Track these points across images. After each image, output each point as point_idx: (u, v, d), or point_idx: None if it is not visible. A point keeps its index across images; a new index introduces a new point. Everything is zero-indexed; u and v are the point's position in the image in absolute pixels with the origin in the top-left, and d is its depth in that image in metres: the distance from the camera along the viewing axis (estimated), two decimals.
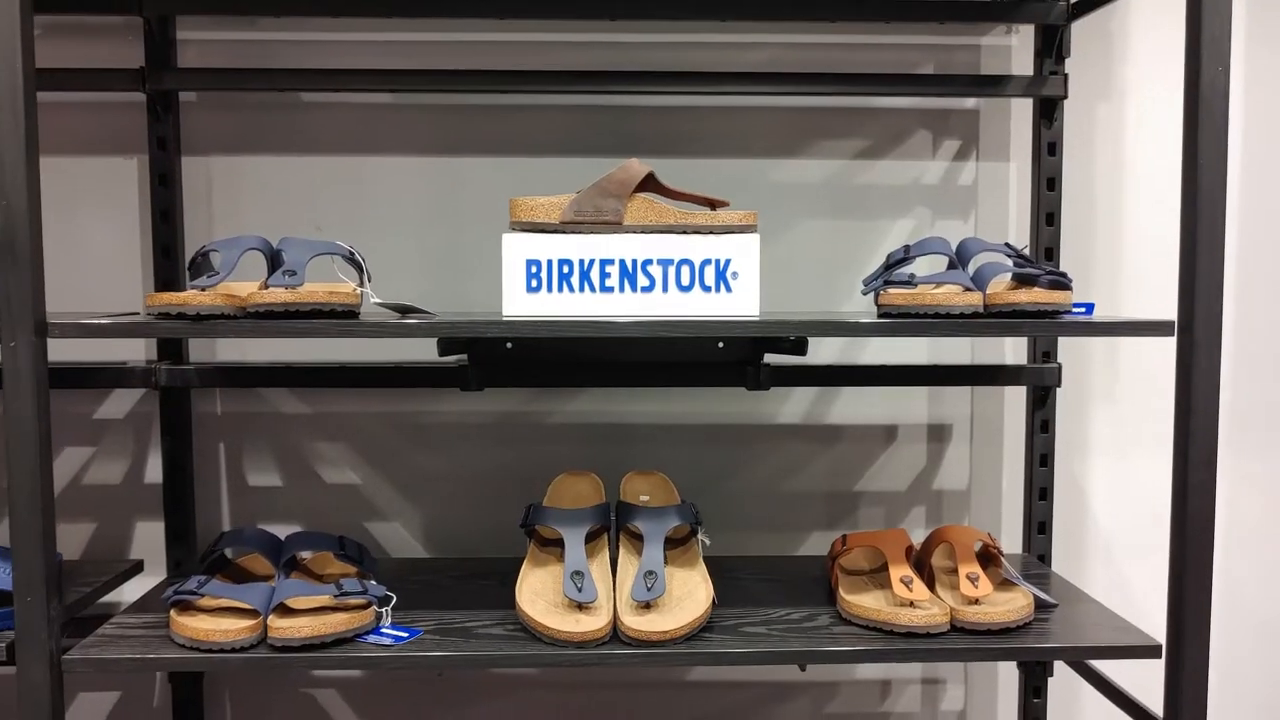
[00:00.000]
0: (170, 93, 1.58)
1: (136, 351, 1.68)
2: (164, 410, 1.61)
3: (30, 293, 1.17)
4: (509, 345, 1.53)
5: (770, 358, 1.53)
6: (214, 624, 1.25)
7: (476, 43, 1.65)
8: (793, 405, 1.74)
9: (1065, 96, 1.60)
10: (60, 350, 1.25)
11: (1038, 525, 1.66)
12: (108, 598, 1.51)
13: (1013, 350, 1.71)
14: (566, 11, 1.58)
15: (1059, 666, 1.68)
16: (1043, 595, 1.39)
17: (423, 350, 1.50)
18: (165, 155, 1.58)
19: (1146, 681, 1.38)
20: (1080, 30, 1.62)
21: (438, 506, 1.70)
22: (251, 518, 1.71)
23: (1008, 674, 1.77)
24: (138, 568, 1.59)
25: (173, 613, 1.29)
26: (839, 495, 1.75)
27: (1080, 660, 1.52)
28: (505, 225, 1.32)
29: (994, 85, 1.63)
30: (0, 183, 1.14)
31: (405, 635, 1.28)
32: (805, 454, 1.74)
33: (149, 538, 1.69)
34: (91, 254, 1.64)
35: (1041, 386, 1.64)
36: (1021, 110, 1.68)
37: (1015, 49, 1.69)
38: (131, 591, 1.55)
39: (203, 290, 1.22)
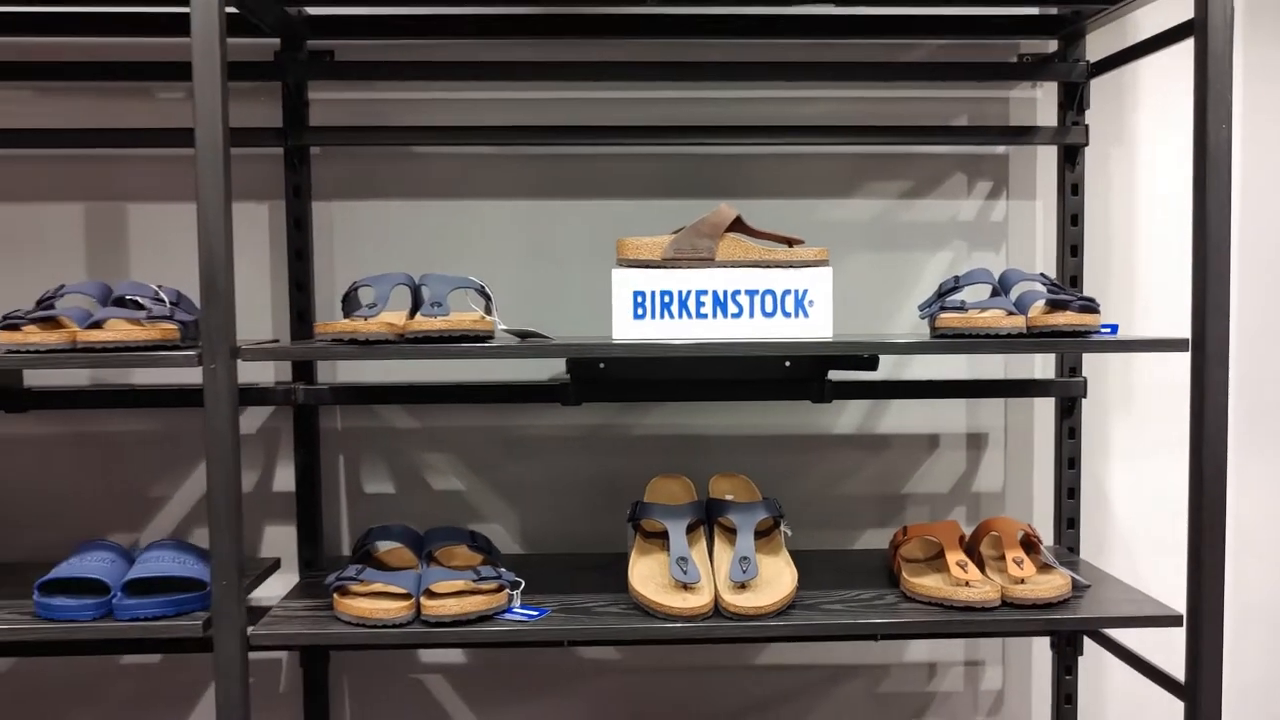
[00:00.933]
0: (304, 147, 1.81)
1: (265, 374, 1.90)
2: (297, 426, 1.83)
3: (225, 323, 1.39)
4: (602, 365, 1.75)
5: (832, 374, 1.75)
6: (374, 604, 1.46)
7: (570, 100, 1.87)
8: (847, 417, 1.96)
9: (1086, 144, 1.83)
10: (194, 375, 1.47)
11: (1067, 521, 1.88)
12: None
13: (1041, 366, 1.94)
14: (656, 75, 1.81)
15: (1087, 647, 1.89)
16: (1078, 577, 1.61)
17: (516, 370, 1.74)
18: (299, 201, 1.81)
19: (1165, 658, 1.59)
20: (1098, 86, 1.85)
21: (535, 510, 1.91)
22: (367, 521, 1.92)
23: (1041, 655, 1.98)
24: (277, 565, 1.80)
25: (335, 596, 1.50)
26: (888, 497, 1.96)
27: (1114, 628, 1.73)
28: (594, 259, 1.55)
29: (1023, 135, 1.86)
30: (205, 233, 1.36)
31: (535, 614, 1.49)
32: (858, 460, 1.96)
33: (278, 539, 1.90)
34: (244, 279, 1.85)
35: (1068, 398, 1.87)
36: (1047, 155, 1.91)
37: (1040, 101, 1.92)
38: (268, 588, 1.75)
39: (365, 320, 1.45)
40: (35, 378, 1.79)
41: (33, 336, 1.42)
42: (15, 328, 1.43)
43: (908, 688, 2.01)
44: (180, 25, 1.42)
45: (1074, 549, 1.88)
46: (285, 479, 1.91)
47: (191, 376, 1.40)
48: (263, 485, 1.93)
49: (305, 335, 1.80)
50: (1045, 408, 1.94)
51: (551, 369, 1.88)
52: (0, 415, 1.80)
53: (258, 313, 1.88)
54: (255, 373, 1.88)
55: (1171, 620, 1.50)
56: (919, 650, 1.99)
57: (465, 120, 1.86)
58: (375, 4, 1.76)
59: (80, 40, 1.82)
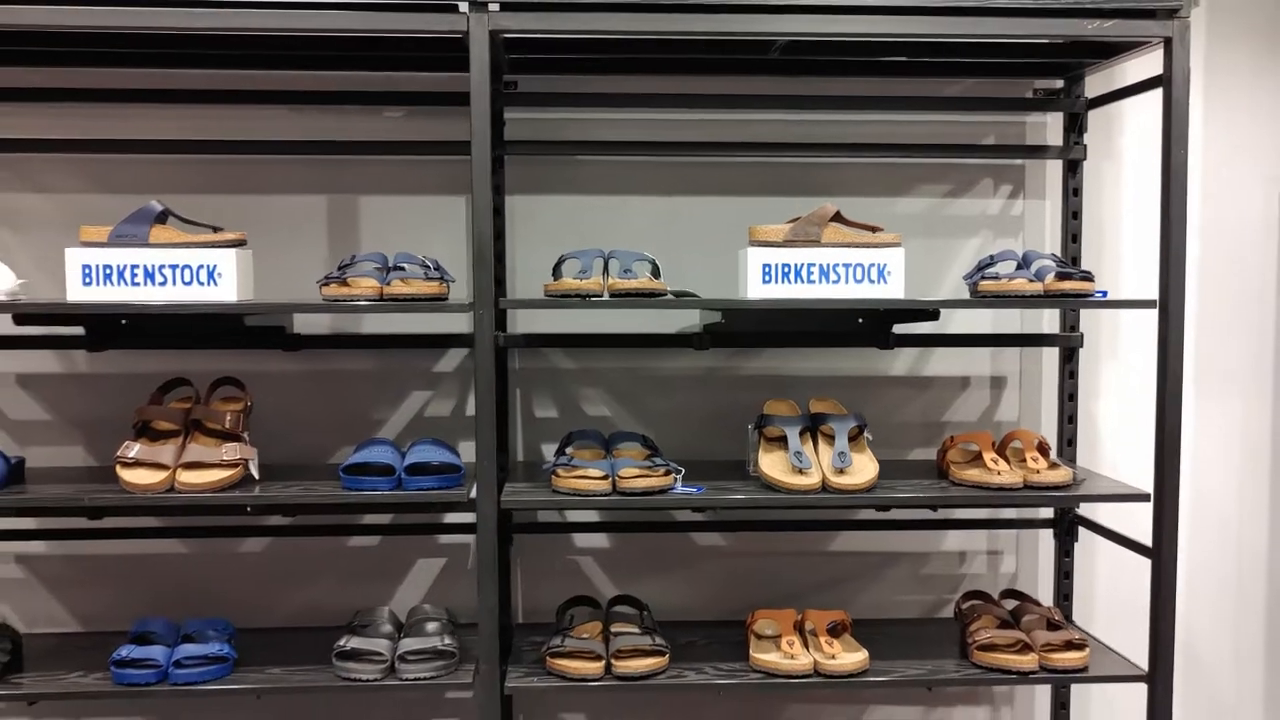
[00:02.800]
0: (500, 156, 2.42)
1: (458, 324, 2.49)
2: (476, 372, 2.43)
3: (491, 283, 2.00)
4: (722, 319, 2.37)
5: (895, 328, 2.38)
6: (583, 482, 2.08)
7: (701, 121, 2.49)
8: (900, 363, 2.58)
9: (1085, 159, 2.47)
10: (413, 323, 2.05)
11: (1067, 440, 2.52)
12: None
13: (1048, 322, 2.56)
14: (768, 105, 2.43)
15: (1081, 535, 2.53)
16: (1077, 471, 2.25)
17: (650, 324, 2.36)
18: (498, 195, 2.41)
19: (1139, 536, 2.23)
20: (1094, 116, 2.48)
21: (665, 431, 2.50)
22: (538, 439, 2.54)
23: (1046, 545, 2.61)
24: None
25: (553, 478, 2.12)
26: (931, 424, 2.59)
27: (1102, 503, 2.35)
28: (717, 244, 2.17)
29: (1036, 152, 2.50)
30: (478, 219, 1.98)
31: (695, 489, 2.12)
32: (908, 396, 2.59)
33: (468, 452, 2.51)
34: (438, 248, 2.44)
35: (1069, 347, 2.51)
36: (1054, 167, 2.54)
37: (1049, 126, 2.55)
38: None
39: (581, 281, 2.07)
40: (300, 325, 2.40)
41: (356, 289, 2.03)
42: (343, 282, 2.04)
43: (943, 570, 2.64)
44: (408, 62, 2.03)
45: (1073, 461, 2.51)
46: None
47: (423, 325, 2.01)
48: (457, 411, 2.54)
49: (501, 295, 2.41)
50: (1051, 355, 2.57)
51: (680, 323, 2.49)
52: (280, 354, 2.40)
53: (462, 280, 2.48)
54: (450, 324, 2.48)
55: (1142, 497, 2.13)
56: (953, 541, 2.62)
57: (619, 137, 2.46)
58: (550, 51, 2.35)
59: (320, 73, 2.41)
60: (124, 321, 2.32)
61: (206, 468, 2.07)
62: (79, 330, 2.31)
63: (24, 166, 2.44)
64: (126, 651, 2.11)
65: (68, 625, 2.50)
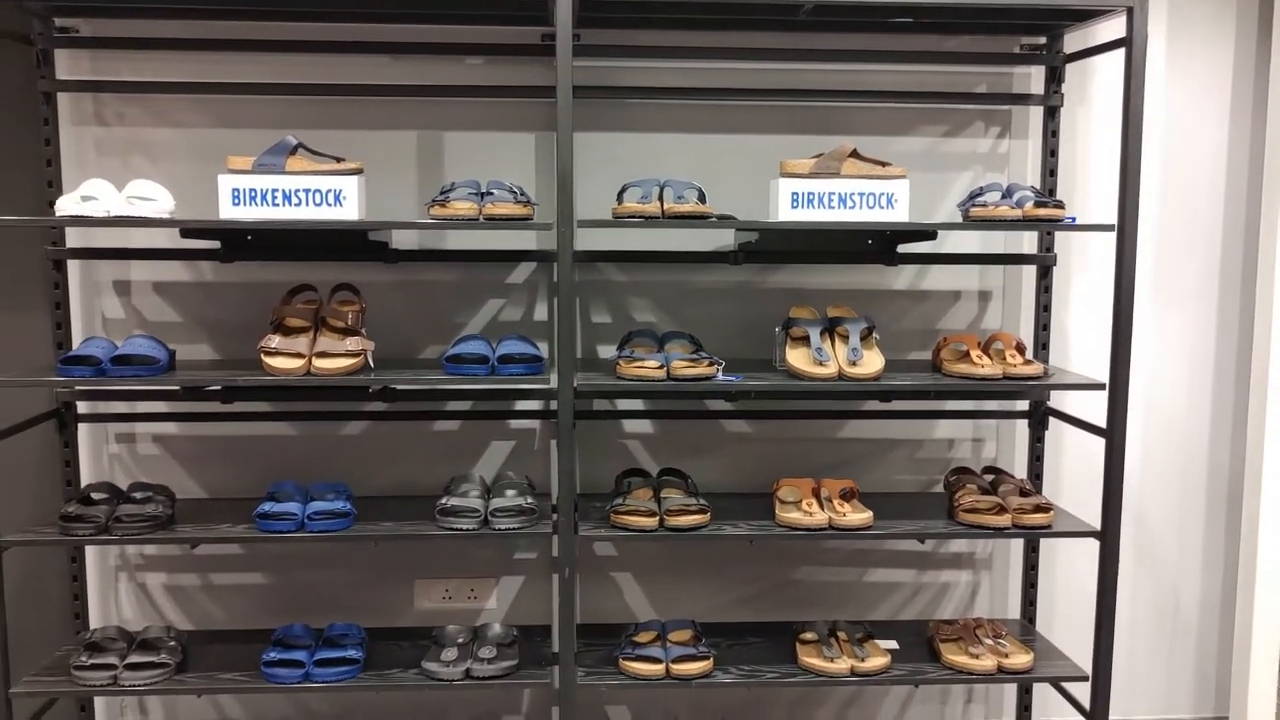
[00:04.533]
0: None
1: (528, 241, 2.94)
2: (558, 279, 2.89)
3: (570, 205, 2.45)
4: (754, 239, 2.82)
5: (899, 248, 2.84)
6: (644, 371, 2.55)
7: (734, 70, 2.92)
8: (901, 279, 3.04)
9: (1062, 105, 2.91)
10: (491, 240, 2.52)
11: (1041, 344, 3.00)
12: None
13: (1028, 243, 3.03)
14: (795, 57, 2.87)
15: (1051, 424, 3.01)
16: (1047, 367, 2.72)
17: (689, 243, 2.81)
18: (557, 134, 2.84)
19: (1099, 422, 2.70)
20: (1071, 69, 2.92)
21: (706, 333, 2.94)
22: (593, 341, 3.00)
23: (1021, 434, 3.09)
24: (549, 362, 2.88)
25: (616, 367, 2.59)
26: (927, 331, 3.05)
27: (1068, 390, 2.81)
28: (748, 174, 2.64)
29: (1021, 99, 2.94)
30: (560, 153, 2.42)
31: (736, 378, 2.59)
32: (907, 307, 3.05)
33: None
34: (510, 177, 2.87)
35: (1045, 266, 2.97)
36: (1036, 112, 2.98)
37: (1033, 76, 2.99)
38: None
39: (644, 204, 2.52)
40: (396, 241, 2.85)
41: (458, 210, 2.48)
42: (445, 204, 2.49)
43: (934, 455, 3.12)
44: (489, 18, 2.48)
45: (1046, 360, 2.99)
46: (542, 311, 2.98)
47: (499, 241, 2.53)
48: (527, 317, 3.00)
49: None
50: (1030, 272, 3.03)
51: (716, 242, 2.94)
52: (380, 266, 2.86)
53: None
54: (521, 240, 2.93)
55: (1098, 386, 2.61)
56: (943, 429, 3.10)
57: (667, 83, 2.89)
58: (610, 11, 2.75)
59: (413, 26, 2.82)
60: (249, 237, 2.76)
61: (334, 357, 2.53)
62: (214, 244, 2.76)
63: (157, 105, 2.86)
64: (269, 507, 2.59)
65: (198, 495, 2.97)
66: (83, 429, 2.91)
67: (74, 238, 2.83)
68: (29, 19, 2.70)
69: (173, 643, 2.68)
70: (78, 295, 2.88)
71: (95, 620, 2.94)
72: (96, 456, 2.95)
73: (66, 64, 2.81)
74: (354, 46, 2.83)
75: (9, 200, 2.72)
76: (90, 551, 2.94)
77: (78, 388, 2.79)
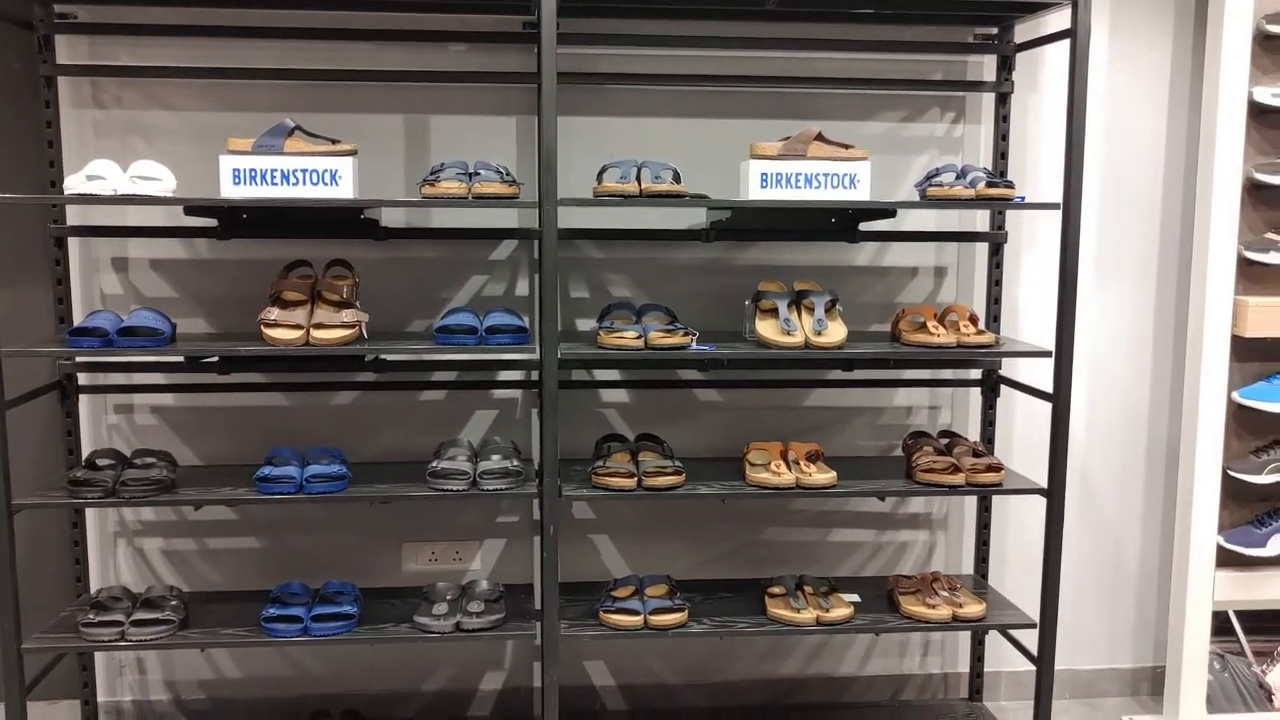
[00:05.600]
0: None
1: (510, 220, 3.10)
2: (541, 254, 3.05)
3: (554, 185, 2.61)
4: (727, 216, 2.99)
5: (861, 226, 3.03)
6: (622, 340, 2.71)
7: (711, 58, 3.09)
8: (863, 256, 3.23)
9: (1013, 93, 3.11)
10: (475, 218, 2.68)
11: (993, 317, 3.19)
12: None
13: (981, 221, 3.22)
14: (766, 46, 3.04)
15: (1003, 391, 3.21)
16: (999, 337, 2.92)
17: (664, 220, 2.98)
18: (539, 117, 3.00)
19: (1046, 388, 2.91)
20: (1021, 58, 3.12)
21: (680, 306, 3.11)
22: (572, 314, 3.16)
23: (975, 400, 3.29)
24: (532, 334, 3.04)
25: (597, 337, 2.76)
26: (887, 304, 3.24)
27: (1016, 358, 3.04)
28: (721, 157, 2.81)
29: (975, 86, 3.13)
30: (543, 135, 2.58)
31: (710, 347, 2.76)
32: (868, 282, 3.24)
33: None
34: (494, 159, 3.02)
35: (997, 243, 3.17)
36: (989, 99, 3.18)
37: (985, 65, 3.18)
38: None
39: (623, 184, 2.69)
40: (385, 219, 3.00)
41: (448, 190, 2.64)
42: (435, 184, 2.64)
43: (894, 421, 3.32)
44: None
45: (997, 332, 3.19)
46: (524, 287, 3.14)
47: (483, 220, 2.68)
48: (509, 291, 3.16)
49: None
50: (983, 249, 3.23)
51: (690, 220, 3.11)
52: (370, 243, 3.00)
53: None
54: (504, 219, 3.08)
55: (1044, 353, 2.81)
56: (902, 397, 3.30)
57: (642, 70, 3.05)
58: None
59: (399, 14, 2.97)
60: (245, 215, 2.90)
61: (331, 328, 2.67)
62: (211, 222, 2.90)
63: (154, 88, 2.99)
64: (268, 471, 2.73)
65: (195, 463, 3.10)
66: (83, 400, 3.03)
67: (74, 216, 2.95)
68: (29, 5, 2.81)
69: (175, 602, 2.82)
70: (78, 271, 3.00)
71: (95, 584, 3.07)
72: (96, 427, 3.08)
73: (66, 49, 2.92)
74: (344, 33, 2.97)
75: (11, 180, 2.85)
76: (90, 517, 3.08)
77: (87, 358, 2.91)
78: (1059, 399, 2.81)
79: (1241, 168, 3.01)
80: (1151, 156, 3.27)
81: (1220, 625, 3.27)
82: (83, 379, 3.01)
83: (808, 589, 2.97)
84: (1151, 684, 3.47)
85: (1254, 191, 3.07)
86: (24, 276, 2.98)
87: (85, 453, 2.96)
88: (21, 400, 2.73)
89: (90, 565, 3.08)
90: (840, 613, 2.85)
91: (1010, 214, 3.18)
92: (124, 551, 3.13)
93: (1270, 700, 3.27)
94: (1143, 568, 3.45)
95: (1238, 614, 3.32)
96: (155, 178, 2.62)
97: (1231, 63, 2.97)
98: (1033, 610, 2.91)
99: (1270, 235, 3.07)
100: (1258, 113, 3.04)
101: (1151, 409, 3.38)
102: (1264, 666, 3.31)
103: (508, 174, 2.73)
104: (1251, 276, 3.09)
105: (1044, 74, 3.19)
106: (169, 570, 3.14)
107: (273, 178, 2.63)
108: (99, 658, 3.13)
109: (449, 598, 2.87)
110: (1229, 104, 2.98)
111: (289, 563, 3.15)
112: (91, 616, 2.72)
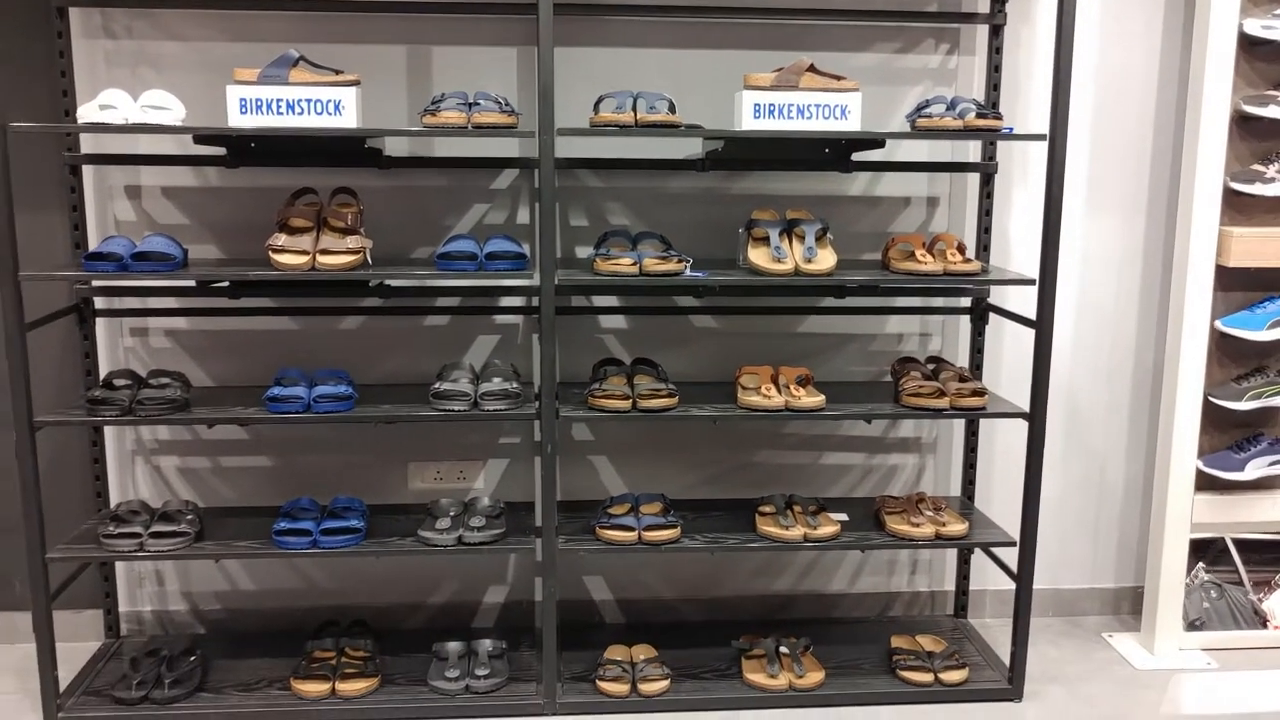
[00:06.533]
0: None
1: (511, 149, 3.18)
2: (540, 183, 3.13)
3: (551, 115, 2.68)
4: (721, 146, 3.06)
5: (854, 155, 3.09)
6: (618, 267, 2.80)
7: None
8: (856, 186, 3.30)
9: (1005, 25, 3.15)
10: (477, 148, 2.76)
11: (983, 246, 3.27)
12: None
13: (973, 152, 3.28)
14: None
15: (991, 319, 3.29)
16: (986, 266, 3.00)
17: (661, 150, 3.05)
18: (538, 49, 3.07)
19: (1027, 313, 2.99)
20: None
21: (675, 235, 3.21)
22: (573, 242, 3.25)
23: (964, 329, 3.38)
24: (531, 260, 3.13)
25: (594, 264, 2.84)
26: (879, 233, 3.31)
27: (1000, 286, 3.15)
28: (715, 87, 2.89)
29: (969, 18, 3.17)
30: (541, 67, 2.65)
31: (703, 274, 2.85)
32: (861, 212, 3.31)
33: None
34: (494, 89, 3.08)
35: (987, 173, 3.23)
36: (982, 30, 3.22)
37: None
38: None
39: (620, 114, 2.75)
40: (389, 148, 3.08)
41: (448, 119, 2.71)
42: (436, 114, 2.72)
43: (884, 348, 3.40)
44: None
45: (987, 262, 3.26)
46: (524, 215, 3.22)
47: (484, 149, 2.75)
48: (510, 219, 3.24)
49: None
50: (974, 180, 3.29)
51: (685, 150, 3.18)
52: (375, 172, 3.09)
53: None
54: (505, 148, 3.16)
55: (1028, 281, 2.89)
56: (893, 324, 3.38)
57: (638, 1, 3.11)
58: None
59: None
60: (253, 144, 2.98)
61: (336, 254, 2.77)
62: (220, 150, 2.98)
63: (163, 19, 3.05)
64: (277, 391, 2.85)
65: (207, 384, 3.22)
66: (100, 323, 3.15)
67: (88, 144, 3.04)
68: None
69: (190, 515, 2.95)
70: (92, 199, 3.10)
71: (115, 500, 3.21)
72: (113, 349, 3.19)
73: None
74: None
75: (26, 110, 2.93)
76: (109, 435, 3.21)
77: (102, 282, 3.02)
78: (1042, 326, 2.89)
79: (1230, 99, 3.06)
80: (1143, 87, 3.32)
81: (1218, 555, 3.38)
82: (99, 303, 3.12)
83: (797, 508, 3.09)
84: (1132, 603, 3.59)
85: (1242, 123, 3.12)
86: (40, 204, 3.07)
87: (103, 374, 3.08)
88: (41, 323, 2.84)
89: (110, 482, 3.21)
90: (827, 530, 2.96)
91: (1002, 145, 3.24)
92: (141, 468, 3.26)
93: (1265, 626, 3.38)
94: (1126, 491, 3.55)
95: (1235, 542, 3.42)
96: (165, 107, 2.70)
97: None
98: (1016, 531, 3.02)
99: (1257, 167, 3.13)
100: (1248, 44, 3.08)
101: (1138, 337, 3.46)
102: (1261, 594, 3.42)
103: (507, 104, 2.80)
104: (1237, 207, 3.15)
105: (1037, 6, 3.23)
106: (184, 486, 3.28)
107: (278, 107, 2.71)
108: (119, 568, 3.28)
109: (452, 513, 3.00)
110: (1219, 35, 3.02)
111: (299, 480, 3.28)
112: (112, 529, 2.86)
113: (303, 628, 3.25)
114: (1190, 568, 3.35)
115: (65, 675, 2.92)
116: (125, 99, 2.68)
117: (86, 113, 2.66)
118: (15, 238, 2.63)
